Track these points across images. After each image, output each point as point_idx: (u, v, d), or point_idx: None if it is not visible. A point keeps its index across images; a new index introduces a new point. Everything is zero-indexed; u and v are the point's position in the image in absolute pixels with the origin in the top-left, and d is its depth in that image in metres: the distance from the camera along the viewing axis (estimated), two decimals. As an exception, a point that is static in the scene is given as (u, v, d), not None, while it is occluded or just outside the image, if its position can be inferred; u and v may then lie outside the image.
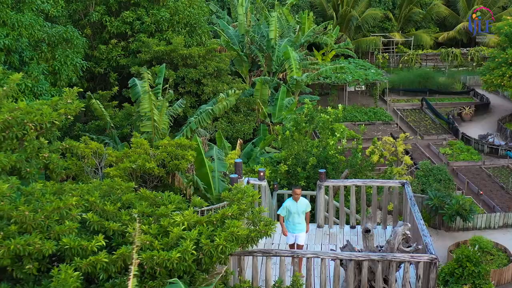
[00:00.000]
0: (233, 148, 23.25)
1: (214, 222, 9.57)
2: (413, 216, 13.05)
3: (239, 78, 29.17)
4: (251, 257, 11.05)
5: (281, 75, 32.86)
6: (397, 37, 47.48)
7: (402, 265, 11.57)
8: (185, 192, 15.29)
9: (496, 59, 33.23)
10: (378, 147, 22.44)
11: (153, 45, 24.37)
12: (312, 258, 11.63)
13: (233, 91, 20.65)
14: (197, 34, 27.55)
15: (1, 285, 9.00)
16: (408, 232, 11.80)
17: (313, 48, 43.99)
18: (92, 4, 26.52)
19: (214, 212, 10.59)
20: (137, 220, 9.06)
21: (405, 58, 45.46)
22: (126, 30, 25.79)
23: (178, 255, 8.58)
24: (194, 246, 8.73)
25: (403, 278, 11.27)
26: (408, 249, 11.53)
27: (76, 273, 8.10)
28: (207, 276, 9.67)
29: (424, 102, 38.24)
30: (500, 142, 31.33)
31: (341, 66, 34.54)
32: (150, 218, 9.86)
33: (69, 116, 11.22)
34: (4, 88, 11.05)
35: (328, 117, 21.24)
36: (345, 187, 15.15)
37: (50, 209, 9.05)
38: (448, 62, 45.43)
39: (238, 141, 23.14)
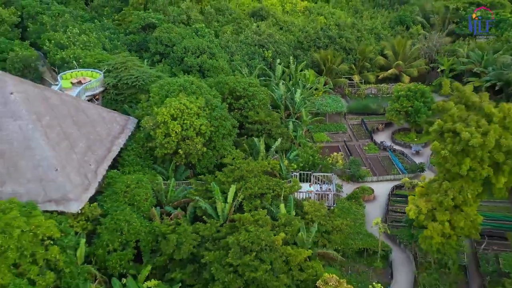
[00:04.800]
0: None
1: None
2: (333, 181, 54.84)
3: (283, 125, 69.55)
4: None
5: (298, 114, 73.09)
6: (356, 78, 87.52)
7: (328, 191, 53.38)
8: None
9: (391, 106, 73.57)
10: (332, 158, 63.66)
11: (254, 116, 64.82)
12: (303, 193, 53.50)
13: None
14: (259, 100, 67.29)
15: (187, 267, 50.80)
16: (329, 187, 53.69)
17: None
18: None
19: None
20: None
21: (359, 91, 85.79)
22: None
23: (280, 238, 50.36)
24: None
25: (327, 197, 53.12)
26: (325, 190, 53.41)
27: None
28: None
29: (362, 121, 78.90)
30: (387, 144, 72.25)
31: (327, 104, 75.64)
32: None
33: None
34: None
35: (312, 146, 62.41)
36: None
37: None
38: (380, 93, 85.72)
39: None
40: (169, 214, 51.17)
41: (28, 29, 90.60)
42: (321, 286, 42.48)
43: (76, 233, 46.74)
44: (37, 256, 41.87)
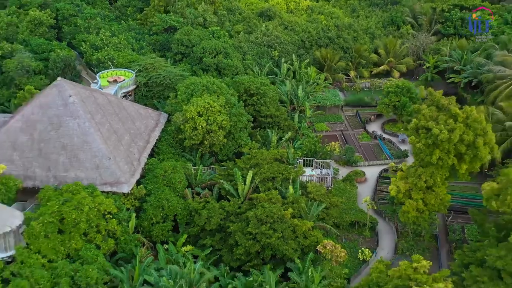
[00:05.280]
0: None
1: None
2: (331, 166, 66.25)
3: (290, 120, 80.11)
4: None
5: (302, 108, 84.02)
6: (352, 74, 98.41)
7: (327, 175, 64.82)
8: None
9: (382, 100, 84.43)
10: (330, 147, 74.85)
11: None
12: (307, 176, 64.95)
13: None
14: (269, 97, 78.35)
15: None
16: (328, 171, 65.12)
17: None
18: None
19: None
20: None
21: (355, 86, 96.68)
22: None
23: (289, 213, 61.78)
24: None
25: (326, 180, 64.56)
26: (325, 174, 64.88)
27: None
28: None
29: (357, 112, 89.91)
30: (378, 133, 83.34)
31: (327, 98, 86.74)
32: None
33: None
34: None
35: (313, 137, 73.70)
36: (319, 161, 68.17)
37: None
38: (373, 87, 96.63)
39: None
40: (198, 194, 62.59)
41: (63, 30, 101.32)
42: (321, 250, 53.98)
43: (127, 209, 58.28)
44: (100, 227, 53.50)
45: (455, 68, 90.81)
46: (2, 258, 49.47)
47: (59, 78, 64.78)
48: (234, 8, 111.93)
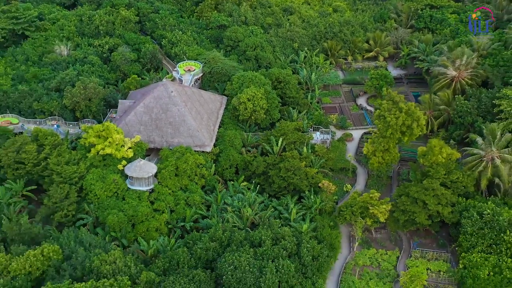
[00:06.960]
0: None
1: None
2: (330, 132, 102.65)
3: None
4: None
5: (313, 88, 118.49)
6: (349, 58, 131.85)
7: (327, 139, 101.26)
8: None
9: (367, 83, 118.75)
10: (331, 118, 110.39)
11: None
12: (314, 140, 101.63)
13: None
14: (291, 84, 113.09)
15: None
16: (328, 136, 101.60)
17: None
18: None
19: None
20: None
21: (351, 68, 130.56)
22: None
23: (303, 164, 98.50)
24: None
25: (326, 142, 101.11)
26: (326, 138, 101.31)
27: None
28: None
29: (351, 89, 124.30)
30: (364, 106, 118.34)
31: (330, 78, 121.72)
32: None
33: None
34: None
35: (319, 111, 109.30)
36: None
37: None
38: (364, 68, 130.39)
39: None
40: (249, 151, 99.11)
41: (145, 25, 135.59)
42: (321, 185, 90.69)
43: (210, 161, 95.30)
44: (197, 172, 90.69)
45: (420, 57, 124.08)
46: (147, 189, 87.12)
47: (164, 80, 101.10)
48: (265, 3, 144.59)
